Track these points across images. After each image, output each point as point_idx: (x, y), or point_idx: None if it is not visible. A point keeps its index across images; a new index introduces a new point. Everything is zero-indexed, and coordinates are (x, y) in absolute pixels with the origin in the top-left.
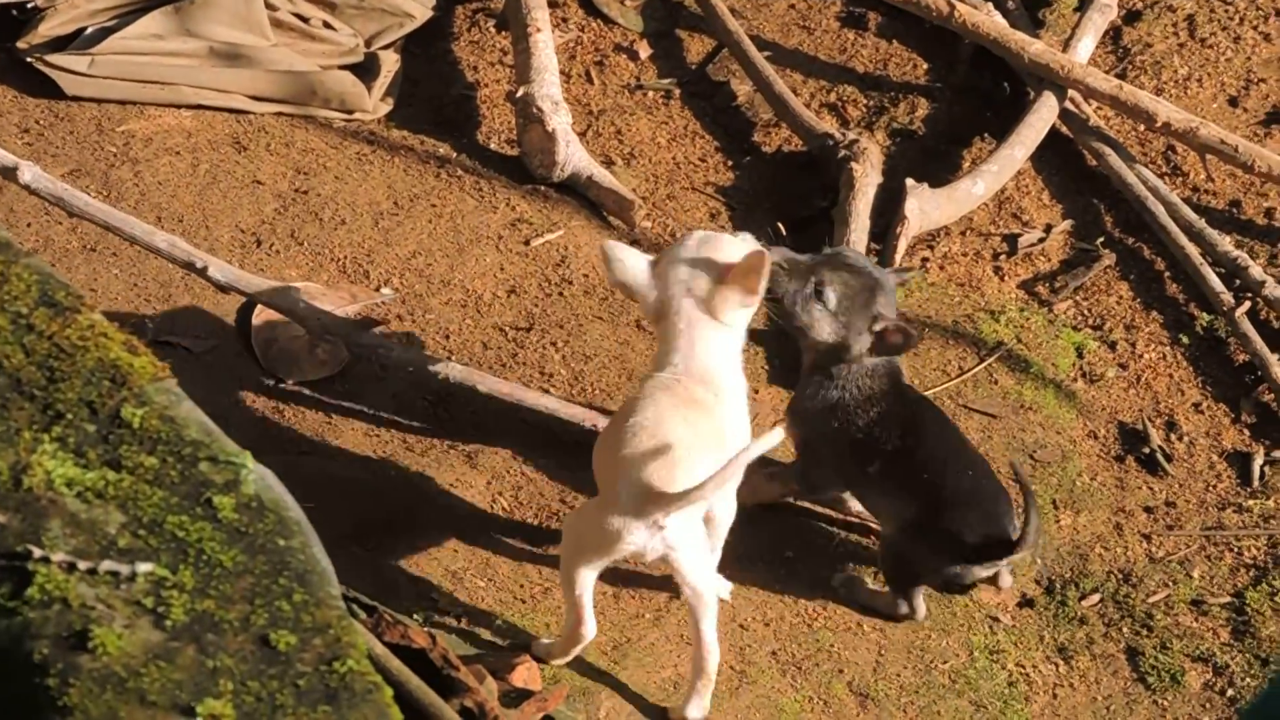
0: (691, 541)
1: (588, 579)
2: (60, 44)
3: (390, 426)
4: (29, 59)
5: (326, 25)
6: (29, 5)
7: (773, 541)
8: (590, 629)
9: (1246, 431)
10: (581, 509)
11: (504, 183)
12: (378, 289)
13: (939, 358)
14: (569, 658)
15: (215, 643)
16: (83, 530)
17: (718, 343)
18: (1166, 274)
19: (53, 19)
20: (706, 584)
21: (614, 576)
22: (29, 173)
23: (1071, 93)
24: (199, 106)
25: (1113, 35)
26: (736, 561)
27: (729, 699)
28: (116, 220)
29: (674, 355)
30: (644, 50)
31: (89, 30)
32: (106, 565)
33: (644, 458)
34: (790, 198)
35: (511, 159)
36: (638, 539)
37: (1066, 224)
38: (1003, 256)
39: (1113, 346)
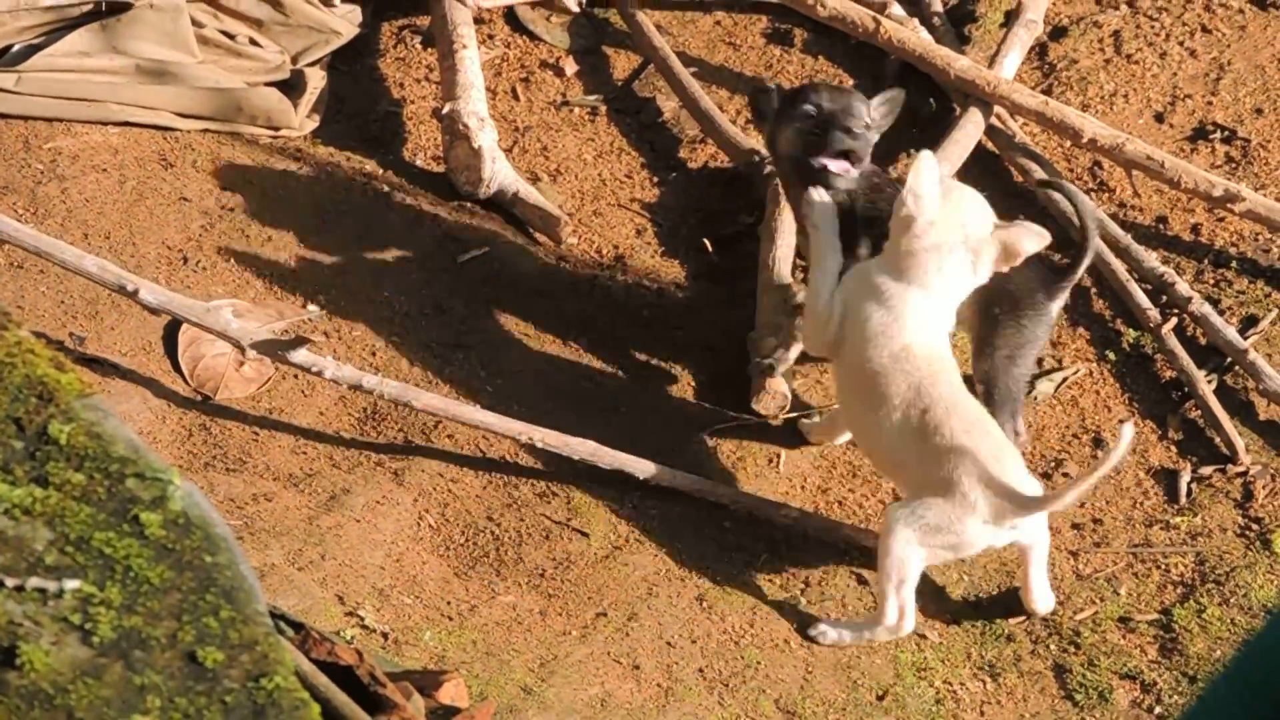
0: (1042, 528)
1: (918, 573)
2: None
3: (316, 442)
4: None
5: (253, 42)
6: None
7: (701, 559)
8: (911, 623)
9: (1173, 448)
10: (924, 506)
11: (430, 199)
12: (304, 306)
13: None
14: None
15: (143, 659)
16: (9, 547)
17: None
18: (1093, 290)
19: None
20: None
21: (540, 593)
22: None
23: (998, 109)
24: (126, 124)
25: (1039, 51)
26: (666, 578)
27: (656, 716)
28: (45, 245)
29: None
30: (570, 66)
31: (15, 47)
32: (34, 582)
33: (984, 458)
34: (716, 214)
35: (438, 176)
36: (995, 541)
37: None
38: None
39: (1039, 362)
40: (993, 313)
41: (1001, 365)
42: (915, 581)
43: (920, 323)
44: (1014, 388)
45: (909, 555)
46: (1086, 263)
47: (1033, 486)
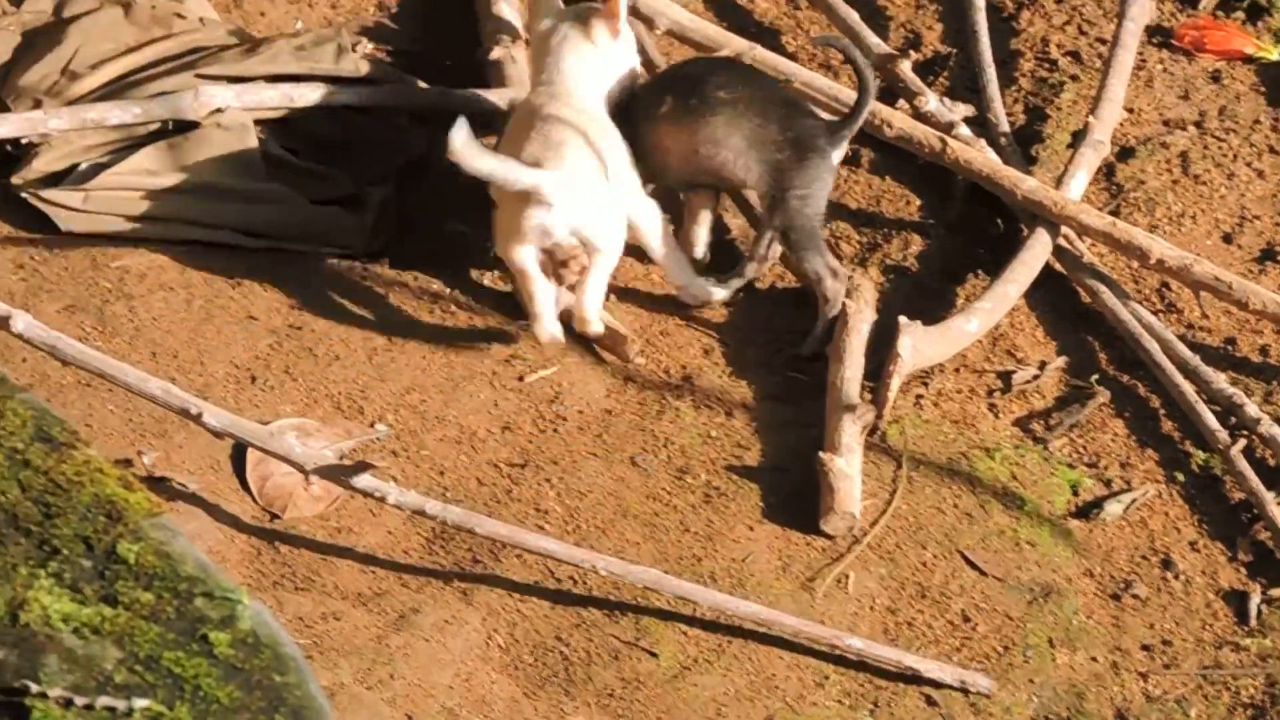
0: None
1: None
2: (55, 179)
3: (385, 561)
4: (24, 194)
5: (318, 161)
6: (23, 141)
7: (770, 680)
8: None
9: (1243, 570)
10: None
11: (498, 318)
12: (372, 425)
13: (934, 495)
14: None
15: None
16: (79, 666)
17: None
18: (1162, 411)
19: (46, 154)
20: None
21: (609, 713)
22: (21, 321)
23: (1065, 229)
24: (193, 242)
25: (1106, 172)
26: (735, 699)
27: None
28: (110, 368)
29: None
30: None
31: (83, 166)
32: (103, 701)
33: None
34: (785, 334)
35: (505, 295)
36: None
37: (1061, 361)
38: (997, 394)
39: (1108, 484)
40: (779, 163)
41: (795, 207)
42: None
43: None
44: (812, 225)
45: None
46: (864, 112)
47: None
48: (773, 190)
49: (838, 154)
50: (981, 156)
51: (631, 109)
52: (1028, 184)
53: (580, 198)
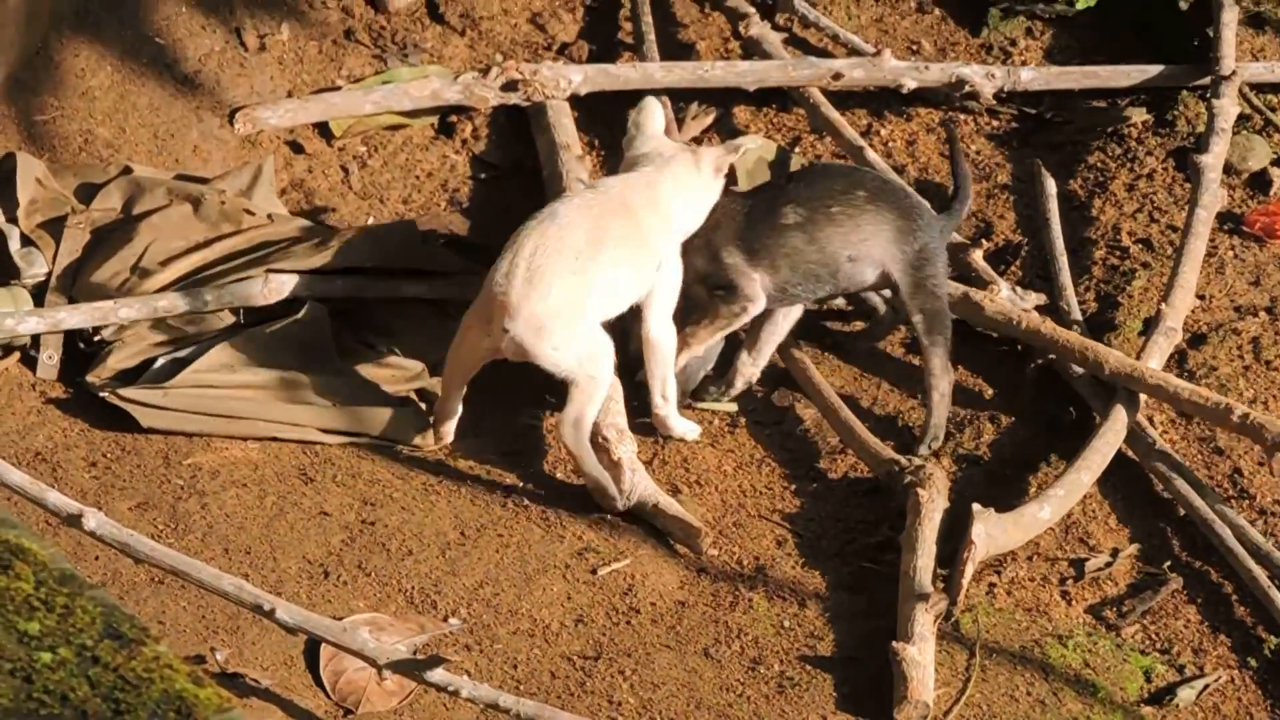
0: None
1: None
2: (128, 376)
3: None
4: (102, 393)
5: (391, 351)
6: (95, 338)
7: None
8: None
9: None
10: None
11: (570, 512)
12: (445, 619)
13: (1006, 683)
14: None
15: None
16: None
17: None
18: (1234, 597)
19: (120, 352)
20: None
21: None
22: (94, 520)
23: (1140, 415)
24: (271, 439)
25: (1178, 358)
26: None
27: None
28: (183, 565)
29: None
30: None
31: (160, 362)
32: None
33: None
34: (857, 524)
35: (578, 488)
36: None
37: (1133, 548)
38: (1070, 581)
39: (1181, 670)
40: (918, 256)
41: (934, 292)
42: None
43: None
44: (945, 308)
45: None
46: (967, 199)
47: None
48: (909, 281)
49: (948, 234)
50: (1071, 333)
51: (756, 224)
52: (1115, 357)
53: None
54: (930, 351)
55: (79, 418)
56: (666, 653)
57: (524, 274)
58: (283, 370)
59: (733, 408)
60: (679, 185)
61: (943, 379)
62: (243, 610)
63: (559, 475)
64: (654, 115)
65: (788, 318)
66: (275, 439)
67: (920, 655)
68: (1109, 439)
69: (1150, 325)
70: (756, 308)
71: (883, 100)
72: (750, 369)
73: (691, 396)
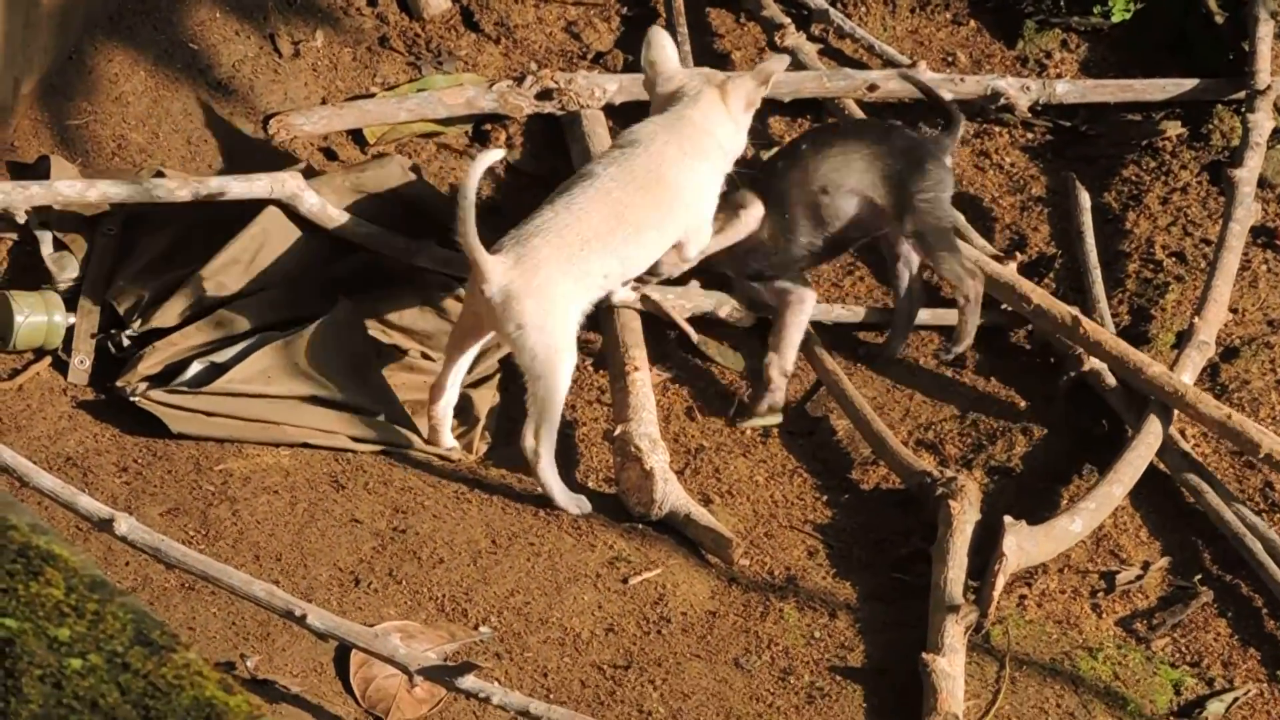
0: None
1: None
2: (158, 381)
3: None
4: (134, 398)
5: (425, 356)
6: (125, 344)
7: None
8: None
9: None
10: None
11: (602, 521)
12: (476, 627)
13: (1035, 695)
14: None
15: None
16: None
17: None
18: (1264, 610)
19: (151, 357)
20: None
21: None
22: (125, 524)
23: (1172, 428)
24: (302, 445)
25: (1211, 372)
26: None
27: None
28: (214, 570)
29: None
30: (742, 388)
31: (195, 366)
32: None
33: None
34: (889, 535)
35: (610, 497)
36: None
37: (1164, 561)
38: (1100, 593)
39: (1210, 684)
40: (899, 173)
41: (924, 209)
42: None
43: None
44: (941, 225)
45: None
46: (959, 123)
47: None
48: (898, 201)
49: (948, 157)
50: (1111, 337)
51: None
52: (1154, 368)
53: None
54: (939, 262)
55: (110, 423)
56: (697, 662)
57: (519, 245)
58: (321, 378)
59: (777, 419)
60: (710, 123)
61: (964, 283)
62: (273, 617)
63: (590, 484)
64: (665, 48)
65: (799, 310)
66: (307, 445)
67: (950, 667)
68: (1141, 452)
69: (1183, 339)
70: (752, 212)
71: (917, 112)
72: (775, 370)
73: (736, 416)
